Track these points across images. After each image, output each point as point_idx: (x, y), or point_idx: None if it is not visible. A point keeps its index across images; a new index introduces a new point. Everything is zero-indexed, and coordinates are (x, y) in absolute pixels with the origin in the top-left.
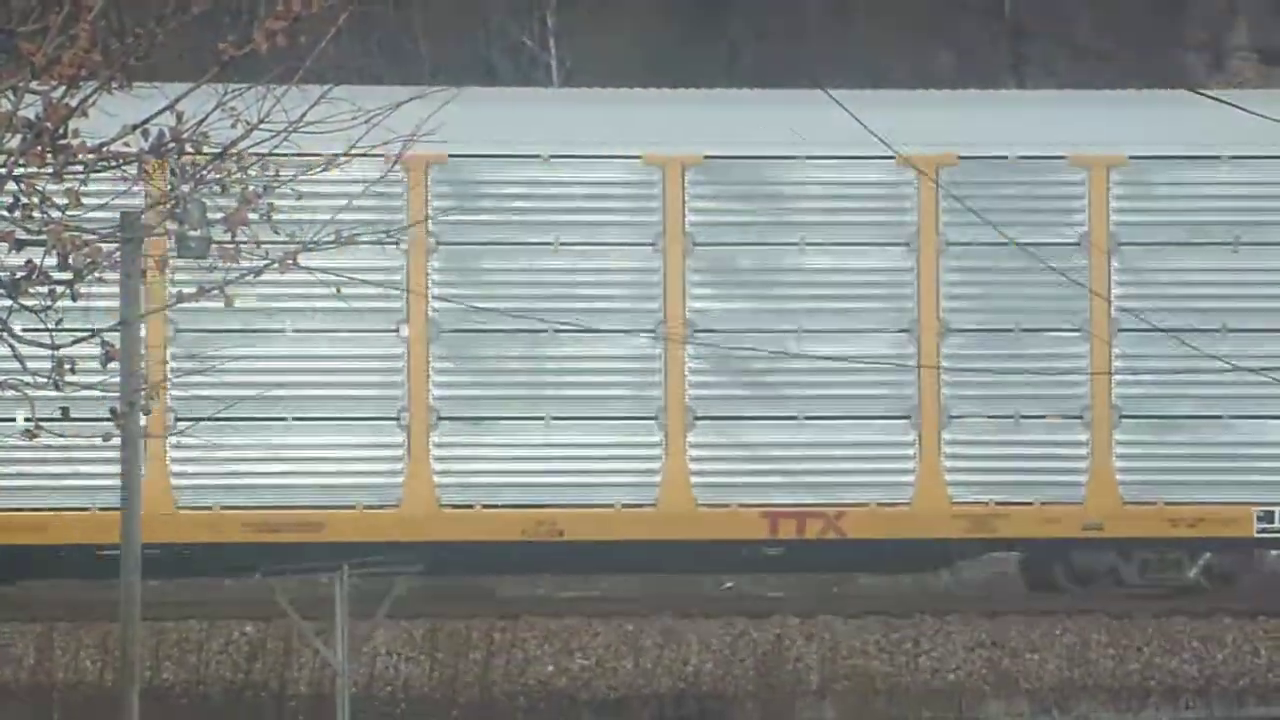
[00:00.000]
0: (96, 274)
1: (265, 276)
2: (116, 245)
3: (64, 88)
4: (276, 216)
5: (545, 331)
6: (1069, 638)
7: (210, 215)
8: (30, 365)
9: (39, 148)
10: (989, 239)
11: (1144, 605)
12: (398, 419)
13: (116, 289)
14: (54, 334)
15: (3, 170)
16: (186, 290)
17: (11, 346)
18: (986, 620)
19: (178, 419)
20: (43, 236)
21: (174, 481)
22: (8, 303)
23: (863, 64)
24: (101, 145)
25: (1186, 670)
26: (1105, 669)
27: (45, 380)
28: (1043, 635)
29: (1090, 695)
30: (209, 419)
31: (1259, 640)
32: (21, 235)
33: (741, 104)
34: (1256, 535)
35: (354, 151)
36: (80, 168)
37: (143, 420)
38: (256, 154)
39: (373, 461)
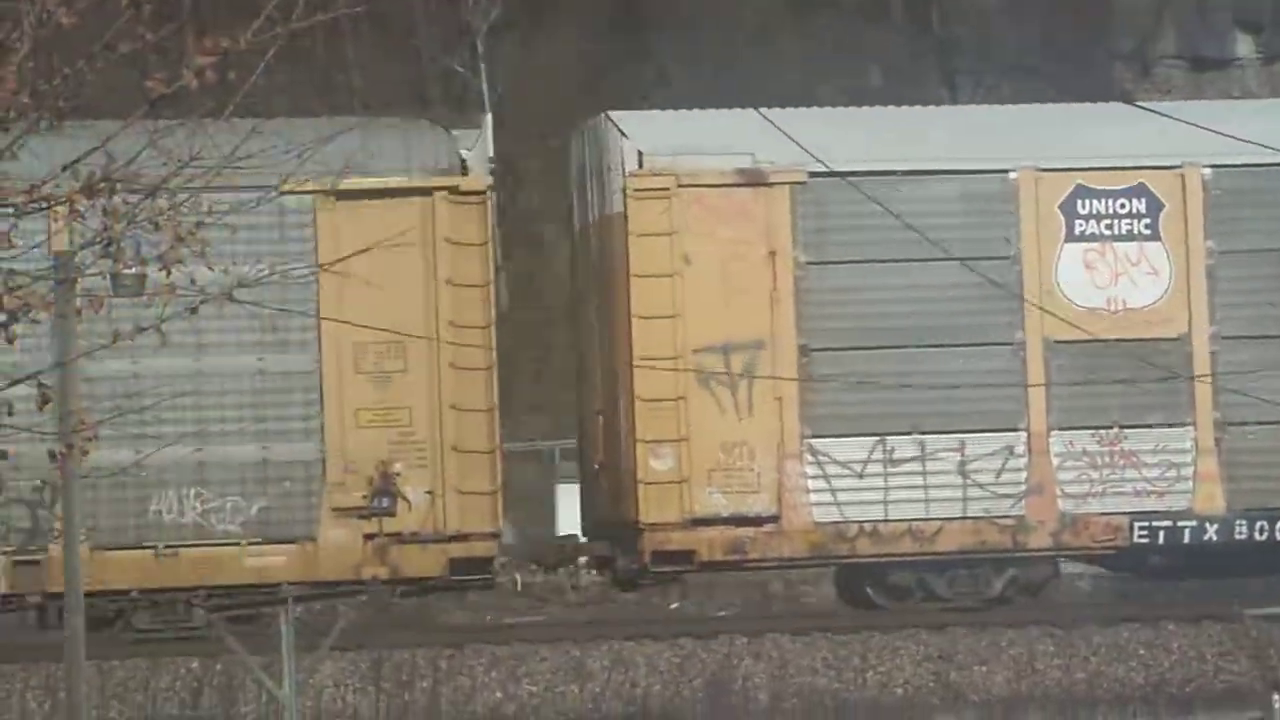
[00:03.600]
0: (30, 315)
1: None
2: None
3: None
4: None
5: None
6: (1015, 649)
7: (145, 253)
8: None
9: None
10: None
11: (1090, 613)
12: None
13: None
14: None
15: None
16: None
17: None
18: (933, 633)
19: None
20: None
21: None
22: None
23: (792, 84)
24: (32, 186)
25: (1134, 678)
26: (1053, 679)
27: None
28: (989, 646)
29: (1039, 706)
30: None
31: (1205, 645)
32: None
33: None
34: None
35: None
36: (11, 209)
37: None
38: (188, 189)
39: None
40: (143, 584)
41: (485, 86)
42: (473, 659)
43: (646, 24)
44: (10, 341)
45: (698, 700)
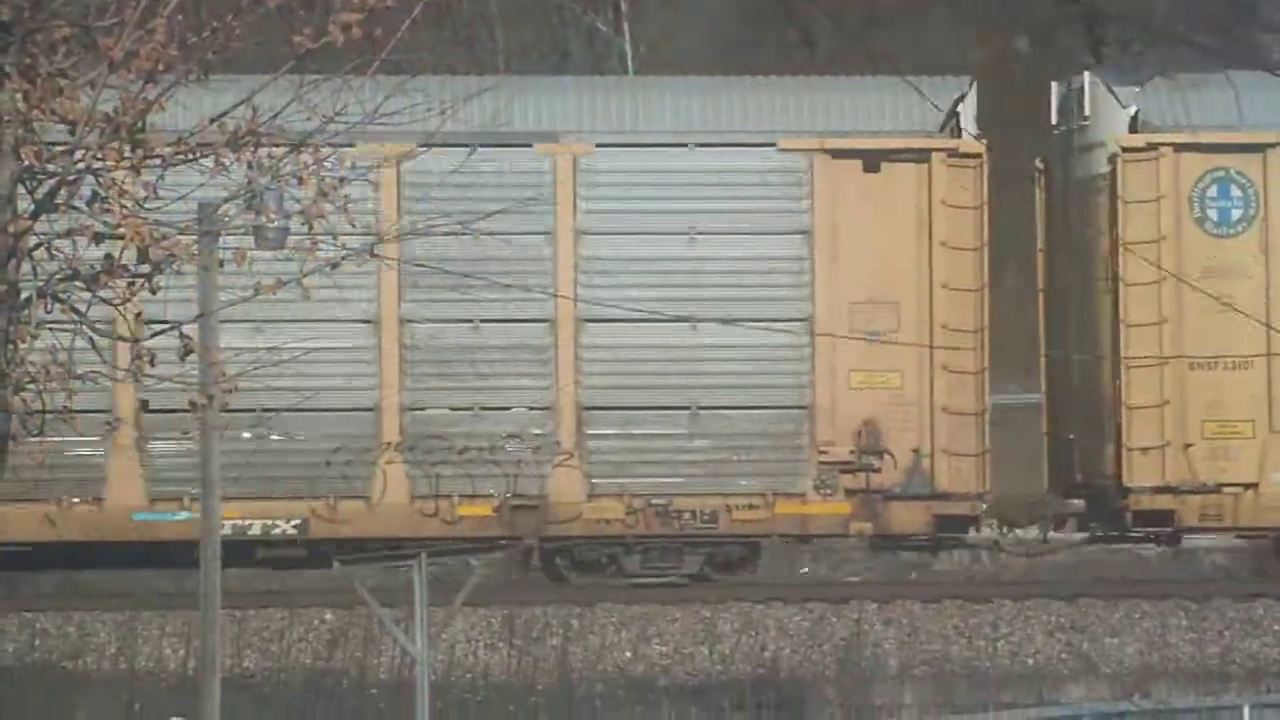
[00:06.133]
0: (175, 267)
1: None
2: (194, 238)
3: (141, 82)
4: None
5: None
6: (1148, 622)
7: (288, 207)
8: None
9: (117, 142)
10: None
11: (1223, 588)
12: None
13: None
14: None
15: (81, 165)
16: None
17: (90, 340)
18: (1065, 604)
19: None
20: (121, 230)
21: None
22: (87, 295)
23: (939, 49)
24: (179, 138)
25: (1268, 653)
26: (1185, 653)
27: (124, 373)
28: (1122, 619)
29: (1171, 679)
30: None
31: None
32: (100, 229)
33: None
34: None
35: None
36: (158, 161)
37: None
38: (333, 145)
39: None
40: None
41: (628, 45)
42: (603, 618)
43: None
44: (154, 292)
45: (827, 664)
